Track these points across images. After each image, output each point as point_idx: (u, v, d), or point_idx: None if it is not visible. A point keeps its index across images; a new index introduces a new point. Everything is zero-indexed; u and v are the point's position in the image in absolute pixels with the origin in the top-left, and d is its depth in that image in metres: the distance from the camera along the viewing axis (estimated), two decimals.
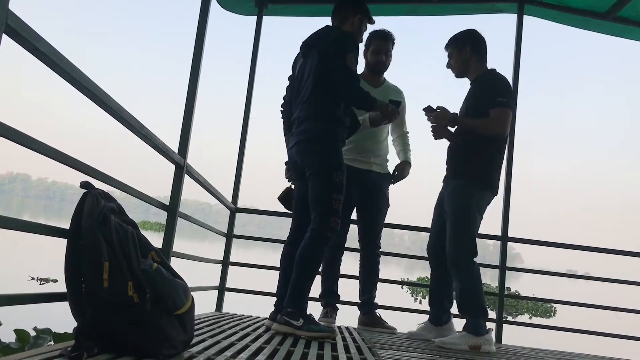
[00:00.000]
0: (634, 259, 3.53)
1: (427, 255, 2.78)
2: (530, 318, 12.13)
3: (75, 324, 1.24)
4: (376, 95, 2.60)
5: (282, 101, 2.63)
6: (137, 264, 1.25)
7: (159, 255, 1.38)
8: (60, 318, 1.73)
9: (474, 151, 2.57)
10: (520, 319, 11.36)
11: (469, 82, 2.68)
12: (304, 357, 1.63)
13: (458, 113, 2.64)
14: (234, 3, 3.72)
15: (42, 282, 7.02)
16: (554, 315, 12.70)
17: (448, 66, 2.70)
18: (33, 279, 7.11)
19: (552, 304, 11.46)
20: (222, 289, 3.45)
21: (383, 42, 2.90)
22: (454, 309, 2.68)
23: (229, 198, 3.44)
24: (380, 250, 3.01)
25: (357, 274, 3.04)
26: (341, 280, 3.02)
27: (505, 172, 3.44)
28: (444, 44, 2.72)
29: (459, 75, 2.69)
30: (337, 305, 2.98)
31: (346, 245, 2.99)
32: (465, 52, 2.62)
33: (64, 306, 1.26)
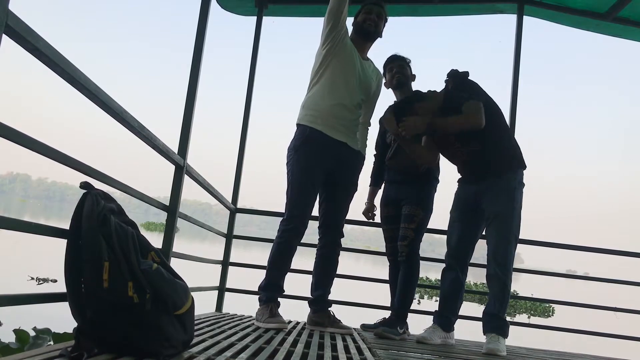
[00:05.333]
0: (632, 260, 3.54)
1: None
2: (528, 318, 12.16)
3: (75, 324, 1.24)
4: (359, 69, 2.61)
5: None
6: (137, 264, 1.25)
7: (158, 255, 1.38)
8: (60, 318, 1.73)
9: (500, 139, 2.54)
10: (518, 318, 11.38)
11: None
12: (303, 357, 1.63)
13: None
14: (234, 3, 3.73)
15: (40, 282, 7.03)
16: (552, 315, 12.72)
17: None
18: (33, 278, 7.12)
19: (551, 304, 11.47)
20: (222, 289, 3.45)
21: (375, 5, 2.69)
22: (465, 311, 2.66)
23: (229, 198, 3.44)
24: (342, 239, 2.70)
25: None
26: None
27: None
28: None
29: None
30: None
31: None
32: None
33: (64, 306, 1.26)
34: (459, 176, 2.69)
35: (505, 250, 2.43)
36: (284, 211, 2.55)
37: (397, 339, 2.55)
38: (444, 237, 2.75)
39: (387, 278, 2.97)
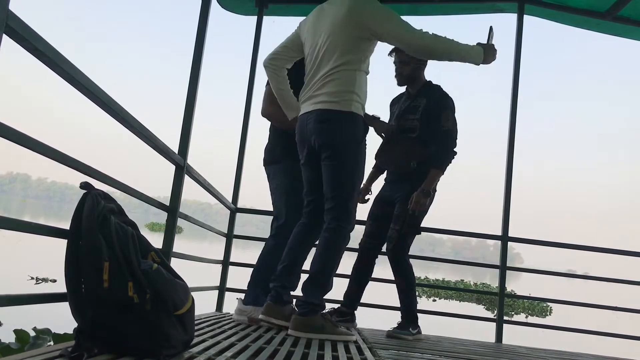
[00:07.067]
0: (632, 259, 3.54)
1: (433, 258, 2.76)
2: (526, 317, 12.17)
3: (75, 324, 1.24)
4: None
5: None
6: (137, 265, 1.25)
7: (159, 255, 1.38)
8: (60, 318, 1.73)
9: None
10: (516, 318, 11.39)
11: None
12: (304, 357, 1.63)
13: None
14: (234, 3, 3.73)
15: (39, 282, 7.03)
16: (550, 315, 12.74)
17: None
18: (32, 278, 7.13)
19: (548, 304, 11.47)
20: (222, 289, 3.45)
21: None
22: (464, 311, 2.66)
23: (229, 198, 3.44)
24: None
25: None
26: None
27: (505, 172, 3.45)
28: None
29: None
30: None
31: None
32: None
33: (64, 306, 1.26)
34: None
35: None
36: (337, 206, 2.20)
37: (411, 339, 2.55)
38: (444, 236, 2.81)
39: (388, 277, 2.96)
